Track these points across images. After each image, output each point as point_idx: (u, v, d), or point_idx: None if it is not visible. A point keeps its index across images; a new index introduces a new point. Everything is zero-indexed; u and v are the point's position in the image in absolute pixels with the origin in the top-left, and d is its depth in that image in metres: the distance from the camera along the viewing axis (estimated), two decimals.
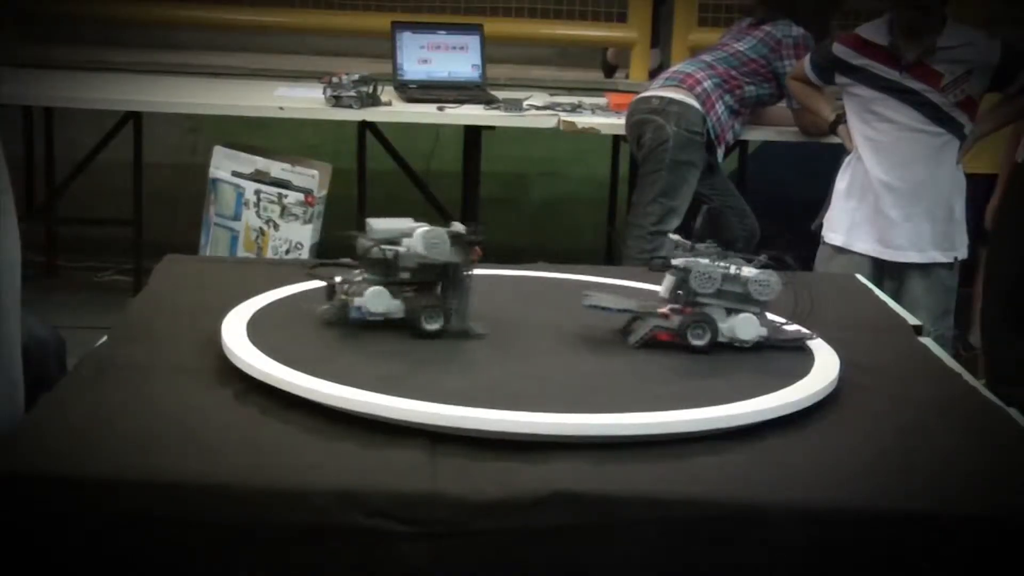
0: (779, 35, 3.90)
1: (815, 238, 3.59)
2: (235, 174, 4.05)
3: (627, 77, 4.88)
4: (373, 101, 4.13)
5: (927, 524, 1.24)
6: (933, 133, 3.32)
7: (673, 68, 4.09)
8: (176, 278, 1.90)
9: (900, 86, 3.31)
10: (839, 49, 3.44)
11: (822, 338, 1.64)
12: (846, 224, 3.44)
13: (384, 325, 1.58)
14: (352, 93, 4.09)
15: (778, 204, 4.73)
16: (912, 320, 1.88)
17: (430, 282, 1.59)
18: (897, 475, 1.31)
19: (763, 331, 1.58)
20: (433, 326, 1.56)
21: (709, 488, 1.26)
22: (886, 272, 3.32)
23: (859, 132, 3.44)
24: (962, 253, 3.37)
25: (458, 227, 1.59)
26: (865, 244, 3.40)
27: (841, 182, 3.49)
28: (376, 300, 1.55)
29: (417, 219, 1.62)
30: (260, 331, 1.54)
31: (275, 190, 4.00)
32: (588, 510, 1.22)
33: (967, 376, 1.64)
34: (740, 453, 1.33)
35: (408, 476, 1.24)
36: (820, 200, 3.63)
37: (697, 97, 3.83)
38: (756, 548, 1.22)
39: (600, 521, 1.22)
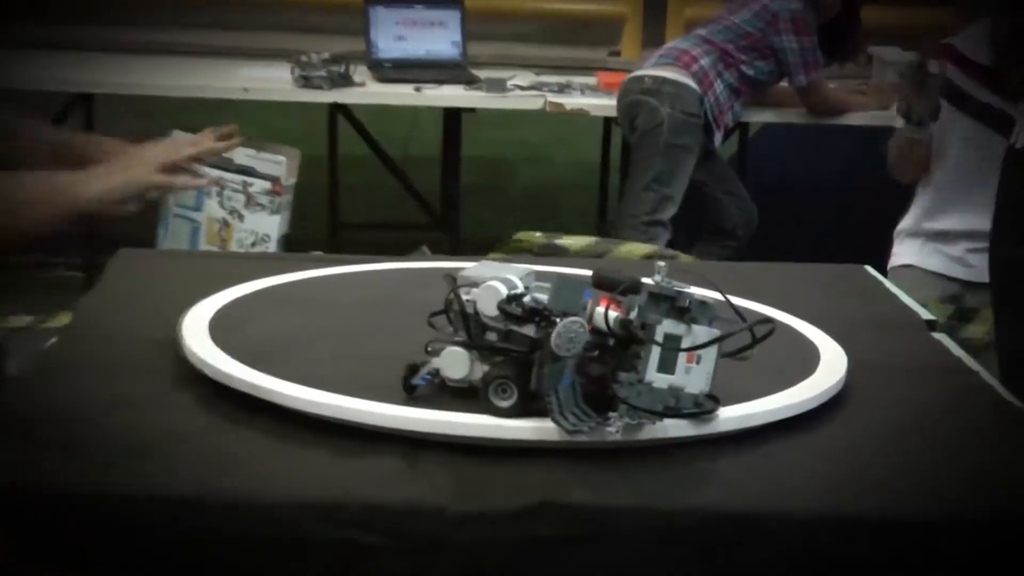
0: (775, 7, 3.91)
1: (818, 227, 3.59)
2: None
3: (619, 54, 4.89)
4: (345, 82, 4.13)
5: (942, 533, 1.24)
6: None
7: (668, 44, 4.11)
8: (131, 274, 1.90)
9: (1002, 115, 2.98)
10: (934, 64, 3.13)
11: (830, 334, 1.64)
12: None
13: (347, 325, 1.57)
14: (322, 73, 4.09)
15: (780, 190, 4.74)
16: (925, 315, 1.89)
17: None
18: (908, 481, 1.31)
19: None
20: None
21: (707, 496, 1.27)
22: None
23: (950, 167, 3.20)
24: None
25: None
26: None
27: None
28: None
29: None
30: (224, 331, 1.54)
31: (239, 178, 3.96)
32: (579, 521, 1.22)
33: (984, 374, 1.64)
34: (741, 459, 1.34)
35: (385, 486, 1.24)
36: (824, 185, 3.63)
37: (693, 76, 3.84)
38: (757, 558, 1.22)
39: (592, 532, 1.22)
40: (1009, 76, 3.03)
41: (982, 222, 3.11)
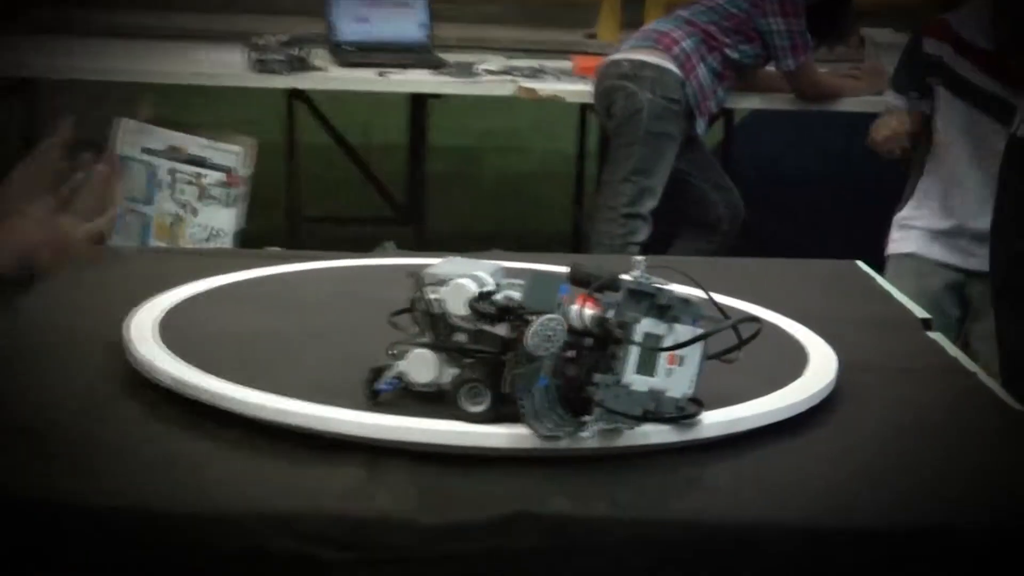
0: None
1: (809, 220, 3.60)
2: (145, 151, 4.02)
3: (595, 37, 4.89)
4: (304, 66, 4.11)
5: (940, 540, 1.25)
6: None
7: (647, 27, 4.10)
8: (76, 271, 1.88)
9: (1005, 103, 3.00)
10: (931, 44, 3.18)
11: (821, 334, 1.65)
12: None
13: (306, 326, 1.56)
14: (280, 57, 4.07)
15: (768, 181, 4.75)
16: (920, 313, 1.90)
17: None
18: (904, 487, 1.32)
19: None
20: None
21: (692, 505, 1.27)
22: None
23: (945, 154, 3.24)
24: None
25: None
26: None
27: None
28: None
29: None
30: (174, 332, 1.53)
31: (192, 169, 3.98)
32: (555, 532, 1.22)
33: (983, 375, 1.65)
34: (726, 465, 1.34)
35: (348, 497, 1.24)
36: (814, 175, 3.64)
37: (675, 59, 3.84)
38: (746, 571, 1.23)
39: (569, 545, 1.22)
40: (1012, 62, 3.04)
41: (984, 217, 3.13)
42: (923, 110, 3.26)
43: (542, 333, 1.27)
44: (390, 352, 1.40)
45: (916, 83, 3.25)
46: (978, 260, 3.23)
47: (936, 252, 3.32)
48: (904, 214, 3.39)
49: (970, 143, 3.20)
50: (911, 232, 3.37)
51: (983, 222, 3.12)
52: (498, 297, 1.34)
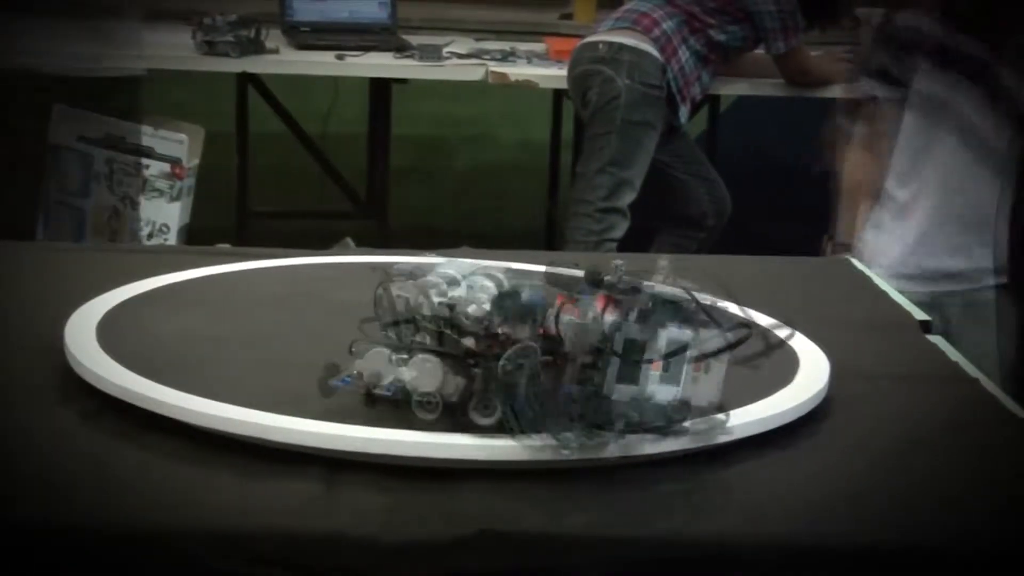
0: None
1: (800, 215, 3.61)
2: (81, 139, 4.02)
3: (570, 17, 4.90)
4: (256, 48, 4.11)
5: (938, 563, 1.25)
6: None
7: (625, 6, 4.12)
8: (6, 271, 1.88)
9: (987, 65, 3.07)
10: (905, 18, 3.20)
11: (807, 335, 1.65)
12: None
13: (258, 329, 1.56)
14: (229, 38, 4.07)
15: (757, 173, 4.77)
16: (919, 314, 1.91)
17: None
18: (898, 504, 1.33)
19: None
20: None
21: (672, 522, 1.27)
22: None
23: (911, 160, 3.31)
24: None
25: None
26: None
27: None
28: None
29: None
30: (115, 336, 1.53)
31: (133, 159, 3.98)
32: (524, 552, 1.22)
33: (985, 382, 1.66)
34: (709, 480, 1.35)
35: (303, 514, 1.24)
36: (806, 167, 3.65)
37: (654, 42, 3.86)
38: None
39: (540, 564, 1.22)
40: (988, 20, 3.09)
41: (975, 227, 3.14)
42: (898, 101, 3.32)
43: (515, 360, 1.26)
44: (352, 350, 1.40)
45: (896, 65, 3.31)
46: (947, 282, 3.20)
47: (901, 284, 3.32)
48: (877, 222, 3.37)
49: (948, 121, 3.25)
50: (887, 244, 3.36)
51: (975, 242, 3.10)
52: (473, 310, 1.33)
